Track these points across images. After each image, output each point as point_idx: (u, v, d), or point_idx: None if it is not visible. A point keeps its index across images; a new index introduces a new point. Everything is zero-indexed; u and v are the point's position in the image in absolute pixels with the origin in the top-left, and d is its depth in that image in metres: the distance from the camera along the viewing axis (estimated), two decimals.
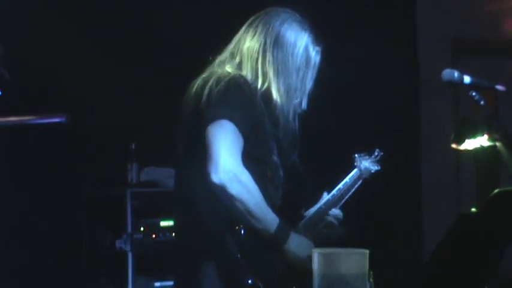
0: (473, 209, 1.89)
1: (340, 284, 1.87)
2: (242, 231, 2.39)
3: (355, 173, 2.80)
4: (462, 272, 1.94)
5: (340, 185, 2.75)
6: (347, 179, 2.77)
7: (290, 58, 2.56)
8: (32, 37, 4.16)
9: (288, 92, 2.57)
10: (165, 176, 4.25)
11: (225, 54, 2.64)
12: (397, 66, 5.04)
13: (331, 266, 1.89)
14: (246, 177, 2.38)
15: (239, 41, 2.63)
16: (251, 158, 2.45)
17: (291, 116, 2.61)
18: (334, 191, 2.73)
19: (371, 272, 1.98)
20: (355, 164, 2.83)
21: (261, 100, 2.53)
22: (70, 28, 4.32)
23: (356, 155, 2.85)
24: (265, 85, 2.55)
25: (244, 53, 2.59)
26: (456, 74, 2.37)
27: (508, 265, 2.21)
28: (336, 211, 2.71)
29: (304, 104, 2.64)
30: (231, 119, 2.39)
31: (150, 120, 4.38)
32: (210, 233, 2.44)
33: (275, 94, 2.55)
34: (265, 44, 2.56)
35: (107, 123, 4.29)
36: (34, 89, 4.11)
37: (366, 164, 2.84)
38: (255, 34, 2.59)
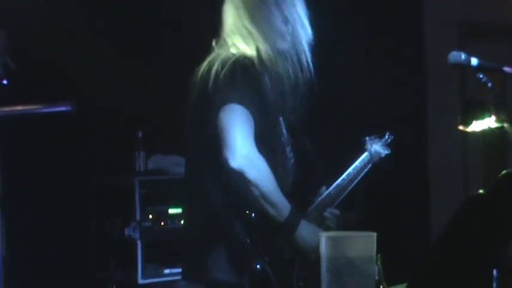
0: (480, 191, 1.88)
1: (348, 267, 1.87)
2: (252, 215, 2.38)
3: (365, 156, 2.78)
4: (470, 254, 1.93)
5: (350, 169, 2.73)
6: (357, 162, 2.76)
7: (260, 3, 2.52)
8: (38, 26, 4.16)
9: (275, 36, 2.50)
10: (172, 164, 4.26)
11: (221, 35, 2.60)
12: (403, 49, 5.03)
13: (338, 249, 1.88)
14: (262, 162, 2.36)
15: (223, 20, 2.60)
16: (262, 140, 2.43)
17: (299, 97, 2.56)
18: (344, 175, 2.71)
19: (379, 255, 1.98)
20: (366, 147, 2.81)
21: (269, 77, 2.49)
22: (77, 16, 4.32)
23: (367, 138, 2.83)
24: (259, 50, 2.49)
25: (228, 32, 2.56)
26: (463, 56, 2.35)
27: None
28: (334, 210, 2.67)
29: (305, 45, 2.55)
30: (241, 103, 2.37)
31: (157, 109, 4.38)
32: (220, 218, 2.44)
33: (266, 50, 2.49)
34: (240, 13, 2.53)
35: (114, 112, 4.29)
36: (40, 78, 4.11)
37: (377, 147, 2.82)
38: (231, 8, 2.57)
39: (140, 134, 4.32)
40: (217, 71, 2.43)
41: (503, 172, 1.86)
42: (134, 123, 4.33)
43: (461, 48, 2.47)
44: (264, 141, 2.45)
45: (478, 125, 2.33)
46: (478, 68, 2.33)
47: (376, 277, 1.98)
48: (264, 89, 2.48)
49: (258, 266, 2.33)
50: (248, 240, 2.36)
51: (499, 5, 5.50)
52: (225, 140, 2.34)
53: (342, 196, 2.70)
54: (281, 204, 2.41)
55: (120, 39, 4.40)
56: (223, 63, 2.44)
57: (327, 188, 2.70)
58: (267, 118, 2.48)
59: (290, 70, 2.52)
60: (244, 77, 2.41)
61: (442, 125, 5.06)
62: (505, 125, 2.22)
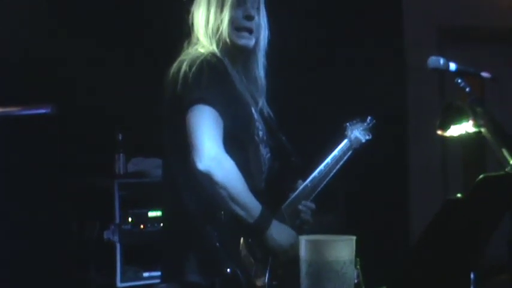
0: (459, 194, 1.89)
1: (327, 270, 1.88)
2: (222, 217, 2.38)
3: (344, 144, 2.75)
4: (448, 257, 1.94)
5: (328, 160, 2.69)
6: (336, 151, 2.72)
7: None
8: (18, 27, 4.14)
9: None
10: (152, 166, 4.24)
11: (192, 35, 2.62)
12: (383, 53, 5.04)
13: (318, 252, 1.89)
14: (229, 163, 2.37)
15: (192, 16, 2.63)
16: (232, 139, 2.44)
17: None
18: (321, 166, 2.67)
19: (358, 259, 1.99)
20: (346, 133, 2.78)
21: (238, 71, 2.52)
22: (55, 18, 4.29)
23: (347, 123, 2.80)
24: (222, 40, 2.52)
25: (195, 25, 2.59)
26: (442, 61, 2.37)
27: (494, 250, 2.23)
28: (309, 203, 2.65)
29: (264, 43, 2.59)
30: (208, 103, 2.37)
31: (137, 111, 4.36)
32: (191, 221, 2.44)
33: (226, 34, 2.51)
34: (206, 9, 2.56)
35: (93, 114, 4.27)
36: (19, 80, 4.09)
37: (357, 133, 2.79)
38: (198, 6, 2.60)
39: (120, 137, 4.31)
40: (185, 71, 2.44)
41: (481, 176, 1.88)
42: (114, 126, 4.31)
43: (440, 52, 2.49)
44: (236, 139, 2.46)
45: (456, 130, 2.35)
46: (457, 72, 2.35)
47: (356, 280, 1.99)
48: (234, 85, 2.49)
49: (228, 270, 2.33)
50: (218, 244, 2.36)
51: (479, 9, 5.55)
52: (192, 142, 2.35)
53: (321, 187, 2.66)
54: (251, 205, 2.41)
55: (101, 40, 4.38)
56: (191, 63, 2.45)
57: (303, 181, 2.67)
58: (239, 114, 2.49)
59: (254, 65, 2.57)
60: (211, 76, 2.42)
61: (422, 129, 5.09)
62: (482, 129, 2.23)
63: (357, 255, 1.96)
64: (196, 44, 2.58)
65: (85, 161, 4.30)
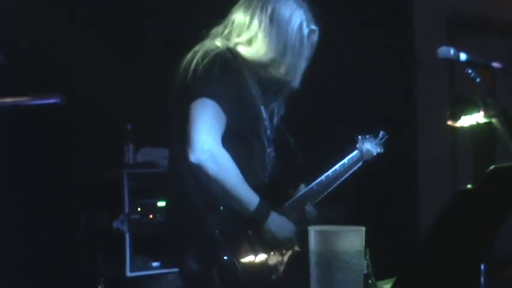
0: (468, 186, 1.88)
1: (337, 261, 1.87)
2: (221, 208, 2.40)
3: (354, 154, 2.77)
4: (458, 248, 1.94)
5: (337, 166, 2.72)
6: (345, 160, 2.75)
7: (284, 34, 2.54)
8: (28, 18, 4.14)
9: (282, 67, 2.54)
10: (161, 156, 4.25)
11: (219, 27, 2.62)
12: (393, 44, 5.03)
13: (327, 243, 1.89)
14: (224, 157, 2.38)
15: (232, 13, 2.61)
16: (236, 135, 2.45)
17: (286, 94, 2.61)
18: (329, 172, 2.70)
19: (367, 250, 1.99)
20: (357, 145, 2.81)
21: (251, 73, 2.52)
22: (66, 9, 4.29)
23: (359, 137, 2.82)
24: (259, 59, 2.53)
25: (236, 24, 2.57)
26: (452, 51, 2.36)
27: (503, 242, 2.22)
28: (309, 208, 2.67)
29: (297, 83, 2.62)
30: (213, 97, 2.38)
31: (147, 101, 4.37)
32: (192, 209, 2.46)
33: (268, 68, 2.54)
34: (260, 18, 2.53)
35: (103, 104, 4.28)
36: (29, 70, 4.09)
37: (369, 146, 2.81)
38: (249, 7, 2.57)
39: (129, 127, 4.31)
40: (197, 62, 2.45)
41: (491, 167, 1.87)
42: (123, 116, 4.32)
43: (450, 43, 2.47)
44: (241, 135, 2.48)
45: (466, 120, 2.34)
46: (467, 63, 2.34)
47: (365, 271, 1.98)
48: (244, 83, 2.49)
49: (225, 258, 2.34)
50: (217, 231, 2.37)
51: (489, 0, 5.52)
52: (189, 134, 2.37)
53: (327, 192, 2.69)
54: (246, 199, 2.43)
55: (111, 32, 4.39)
56: (205, 55, 2.45)
57: (306, 186, 2.69)
58: (246, 112, 2.50)
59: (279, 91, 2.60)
60: (222, 71, 2.42)
61: (431, 120, 5.07)
62: (493, 120, 2.22)
63: (366, 246, 1.95)
64: (215, 36, 2.58)
65: (94, 151, 4.31)
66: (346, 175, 2.73)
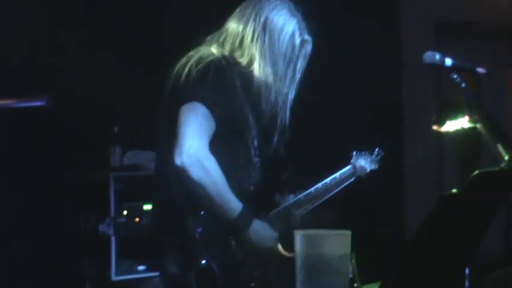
0: (454, 190, 1.90)
1: (323, 265, 1.88)
2: (202, 213, 2.40)
3: (347, 169, 2.78)
4: (444, 252, 1.95)
5: (327, 180, 2.72)
6: (337, 174, 2.75)
7: (277, 43, 2.55)
8: (15, 20, 4.13)
9: (274, 77, 2.55)
10: (148, 159, 4.24)
11: (214, 34, 2.64)
12: (379, 49, 5.04)
13: (313, 247, 1.90)
14: (209, 162, 2.38)
15: (228, 21, 2.63)
16: (223, 141, 2.46)
17: (279, 104, 2.61)
18: (319, 185, 2.70)
19: (353, 254, 1.99)
20: (351, 161, 2.81)
21: (243, 82, 2.53)
22: (52, 12, 4.28)
23: (354, 153, 2.83)
24: (251, 67, 2.54)
25: (230, 32, 2.59)
26: (438, 56, 2.37)
27: (489, 246, 2.23)
28: (295, 217, 2.66)
29: (292, 94, 2.63)
30: (204, 102, 2.39)
31: (133, 104, 4.36)
32: (175, 212, 2.46)
33: (260, 78, 2.54)
34: (253, 26, 2.55)
35: (89, 107, 4.27)
36: (15, 73, 4.08)
37: (363, 162, 2.82)
38: (243, 16, 2.59)
39: (116, 130, 4.31)
40: (191, 67, 2.46)
41: (476, 172, 1.88)
42: (110, 119, 4.31)
43: (436, 47, 2.49)
44: (228, 142, 2.49)
45: (452, 125, 2.36)
46: (452, 68, 2.36)
47: (351, 275, 1.99)
48: (235, 92, 2.50)
49: (203, 262, 2.34)
50: (197, 235, 2.38)
51: (475, 5, 5.55)
52: (177, 136, 2.37)
53: (315, 204, 2.69)
54: (229, 206, 2.43)
55: (97, 33, 4.38)
56: (199, 61, 2.47)
57: (295, 196, 2.69)
58: (235, 120, 2.51)
59: (269, 100, 2.58)
60: (215, 78, 2.44)
61: (417, 124, 5.09)
62: (478, 125, 2.24)
63: (352, 250, 1.96)
64: (211, 43, 2.60)
65: (81, 154, 4.29)
66: (337, 189, 2.73)
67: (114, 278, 4.09)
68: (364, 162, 2.83)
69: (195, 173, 2.35)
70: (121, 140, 4.31)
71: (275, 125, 2.63)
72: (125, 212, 4.16)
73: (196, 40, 2.64)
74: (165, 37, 4.42)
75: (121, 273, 4.13)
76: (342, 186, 2.74)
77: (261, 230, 2.49)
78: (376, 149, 2.89)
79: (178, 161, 2.34)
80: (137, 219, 4.18)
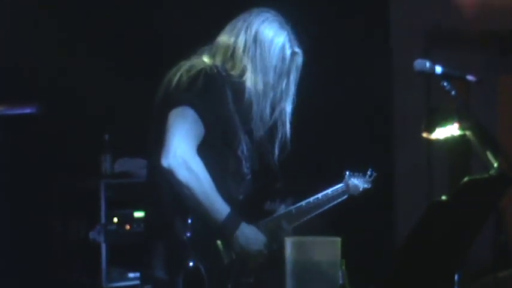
0: (443, 197, 1.90)
1: (313, 271, 1.89)
2: (190, 220, 2.40)
3: (339, 186, 2.79)
4: (433, 258, 1.96)
5: (319, 195, 2.73)
6: (329, 190, 2.76)
7: (267, 55, 2.59)
8: (5, 28, 4.12)
9: (265, 88, 2.58)
10: (138, 167, 4.24)
11: (206, 46, 2.67)
12: (369, 56, 5.06)
13: (303, 253, 1.90)
14: (196, 164, 2.39)
15: (219, 35, 2.67)
16: (212, 148, 2.47)
17: (271, 117, 2.62)
18: (310, 199, 2.71)
19: (343, 260, 2.00)
20: (344, 179, 2.82)
21: (234, 92, 2.55)
22: (42, 18, 4.28)
23: (347, 173, 2.84)
24: (242, 78, 2.57)
25: (221, 44, 2.62)
26: (428, 64, 2.38)
27: (478, 253, 2.24)
28: (286, 227, 2.65)
29: (288, 108, 2.65)
30: (193, 106, 2.42)
31: (124, 111, 4.36)
32: (164, 216, 2.47)
33: (251, 89, 2.57)
34: (244, 38, 2.59)
35: (80, 114, 4.27)
36: (4, 80, 4.07)
37: (355, 181, 2.84)
38: (234, 28, 2.63)
39: (106, 137, 4.30)
40: (182, 74, 2.50)
41: (465, 179, 1.89)
42: (101, 126, 4.31)
43: (427, 55, 2.50)
44: (217, 149, 2.51)
45: (441, 133, 2.37)
46: (442, 75, 2.37)
47: (341, 281, 1.99)
48: (225, 100, 2.52)
49: (191, 263, 2.35)
50: (185, 238, 2.39)
51: (465, 12, 5.57)
52: (164, 139, 2.39)
53: (305, 218, 2.69)
54: (216, 208, 2.44)
55: (88, 41, 4.38)
56: (191, 68, 2.51)
57: (286, 206, 2.70)
58: (224, 127, 2.52)
59: (262, 112, 2.59)
60: (206, 85, 2.46)
61: (407, 131, 5.11)
62: (467, 132, 2.25)
63: (342, 256, 1.97)
64: (202, 54, 2.63)
65: (71, 161, 4.29)
66: (329, 205, 2.74)
67: (104, 285, 4.08)
68: (357, 181, 2.85)
69: (182, 174, 2.36)
70: (111, 148, 4.31)
71: (274, 137, 2.65)
72: (116, 219, 4.16)
73: (187, 51, 2.66)
74: (156, 45, 4.43)
75: (112, 280, 4.12)
76: (334, 202, 2.76)
77: (249, 233, 2.50)
78: (369, 170, 2.92)
79: (165, 163, 2.35)
80: (128, 227, 4.17)
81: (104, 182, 4.15)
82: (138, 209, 4.18)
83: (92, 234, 4.13)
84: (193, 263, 2.36)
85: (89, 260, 4.18)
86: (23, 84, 4.11)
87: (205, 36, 2.70)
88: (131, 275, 4.17)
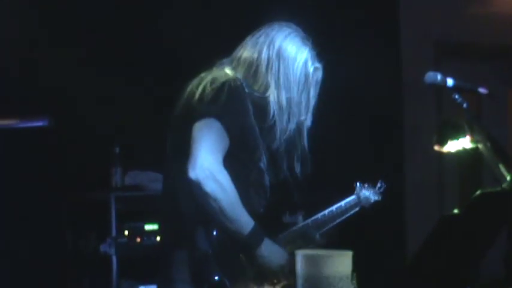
0: (455, 211, 1.90)
1: (324, 285, 1.88)
2: (215, 232, 2.39)
3: (352, 199, 2.78)
4: (445, 272, 1.95)
5: (333, 208, 2.72)
6: (342, 203, 2.75)
7: (291, 71, 2.59)
8: (15, 40, 4.14)
9: (288, 104, 2.58)
10: (149, 180, 4.25)
11: (226, 59, 2.66)
12: (380, 69, 5.06)
13: (314, 267, 1.89)
14: (223, 176, 2.38)
15: (240, 48, 2.66)
16: (236, 161, 2.46)
17: (292, 131, 2.62)
18: (325, 212, 2.70)
19: (354, 274, 1.99)
20: (355, 191, 2.83)
21: (255, 108, 2.55)
22: (52, 30, 4.30)
23: (358, 184, 2.84)
24: (265, 95, 2.57)
25: (243, 59, 2.61)
26: (439, 76, 2.38)
27: (489, 266, 2.23)
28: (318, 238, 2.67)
29: (308, 121, 2.66)
30: (219, 119, 2.41)
31: (134, 124, 4.37)
32: (186, 230, 2.45)
33: (274, 105, 2.57)
34: (267, 55, 2.58)
35: (90, 127, 4.28)
36: (16, 93, 4.09)
37: (367, 193, 2.84)
38: (256, 44, 2.62)
39: (117, 150, 4.31)
40: (205, 86, 2.48)
41: (477, 192, 1.88)
42: (111, 139, 4.32)
43: (437, 67, 2.50)
44: (240, 162, 2.49)
45: (453, 146, 2.36)
46: (454, 88, 2.36)
47: None
48: (248, 112, 2.52)
49: (216, 278, 2.34)
50: (210, 252, 2.38)
51: (476, 25, 5.57)
52: (191, 151, 2.37)
53: (322, 230, 2.68)
54: (242, 221, 2.42)
55: (99, 54, 4.39)
56: (214, 80, 2.49)
57: (304, 217, 2.70)
58: (247, 140, 2.51)
59: (284, 128, 2.60)
60: (230, 97, 2.45)
61: (418, 145, 5.09)
62: (480, 145, 2.24)
63: (353, 270, 1.96)
64: (223, 67, 2.63)
65: (82, 174, 4.30)
66: (343, 217, 2.74)
67: None
68: (368, 193, 2.84)
69: (209, 186, 2.34)
70: (122, 160, 4.32)
71: (292, 151, 2.65)
72: (126, 232, 4.16)
73: (203, 64, 2.66)
74: (166, 58, 4.44)
75: None
76: (347, 215, 2.76)
77: (272, 249, 2.49)
78: (379, 182, 2.92)
79: (192, 174, 2.34)
80: (138, 239, 4.17)
81: (114, 195, 4.16)
82: (149, 222, 4.18)
83: (103, 247, 4.13)
84: (219, 277, 2.34)
85: (99, 273, 4.18)
86: (34, 97, 4.13)
87: (220, 48, 2.70)
88: (141, 287, 4.17)
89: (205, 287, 2.36)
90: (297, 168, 2.66)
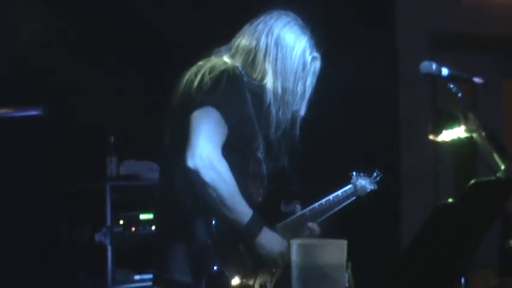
0: (450, 200, 1.90)
1: (319, 274, 1.88)
2: (214, 222, 2.39)
3: (348, 188, 2.81)
4: (439, 262, 1.95)
5: (330, 197, 2.75)
6: (339, 192, 2.78)
7: (289, 60, 2.58)
8: (11, 30, 4.13)
9: (284, 93, 2.57)
10: (144, 169, 4.25)
11: (223, 47, 2.65)
12: (376, 59, 5.06)
13: (309, 256, 1.89)
14: (221, 165, 2.37)
15: (238, 36, 2.65)
16: (234, 150, 2.45)
17: (288, 120, 2.62)
18: (322, 201, 2.72)
19: (349, 263, 1.99)
20: (351, 180, 2.84)
21: (253, 96, 2.54)
22: (48, 20, 4.29)
23: (354, 173, 2.85)
24: (262, 82, 2.56)
25: (241, 47, 2.61)
26: (434, 66, 2.37)
27: (484, 256, 2.23)
28: (314, 225, 2.68)
29: (302, 111, 2.65)
30: (218, 108, 2.39)
31: (130, 114, 4.37)
32: (186, 219, 2.44)
33: (271, 93, 2.56)
34: (266, 43, 2.57)
35: (85, 116, 4.27)
36: (10, 82, 4.08)
37: (363, 182, 2.85)
38: (255, 32, 2.61)
39: (112, 139, 4.30)
40: (203, 74, 2.46)
41: (472, 181, 1.88)
42: (106, 128, 4.31)
43: (433, 58, 2.49)
44: (238, 151, 2.49)
45: (448, 135, 2.36)
46: (449, 78, 2.36)
47: (347, 284, 1.99)
48: (246, 101, 2.51)
49: (215, 267, 2.34)
50: (209, 241, 2.37)
51: (471, 16, 5.57)
52: (189, 140, 2.36)
53: (318, 220, 2.70)
54: (241, 210, 2.42)
55: (94, 44, 4.39)
56: (212, 69, 2.48)
57: (301, 206, 2.71)
58: (245, 129, 2.51)
59: (280, 116, 2.59)
60: (228, 86, 2.44)
61: (413, 134, 5.10)
62: (474, 134, 2.24)
63: (348, 259, 1.96)
64: (221, 55, 2.61)
65: (77, 164, 4.29)
66: (340, 206, 2.76)
67: (110, 287, 4.09)
68: (364, 182, 2.85)
69: (208, 175, 2.34)
70: (117, 150, 4.31)
71: (287, 140, 2.64)
72: (121, 222, 4.16)
73: (198, 53, 2.65)
74: (161, 48, 4.43)
75: (117, 282, 4.13)
76: (344, 203, 2.78)
77: (270, 237, 2.49)
78: (375, 172, 2.92)
79: (191, 163, 2.33)
80: (133, 229, 4.18)
81: (110, 185, 4.16)
82: (144, 212, 4.18)
83: (98, 237, 4.14)
84: (218, 267, 2.34)
85: (94, 262, 4.19)
86: (28, 86, 4.12)
87: (218, 36, 2.68)
88: (137, 277, 4.18)
89: (205, 276, 2.36)
90: (285, 160, 2.66)
